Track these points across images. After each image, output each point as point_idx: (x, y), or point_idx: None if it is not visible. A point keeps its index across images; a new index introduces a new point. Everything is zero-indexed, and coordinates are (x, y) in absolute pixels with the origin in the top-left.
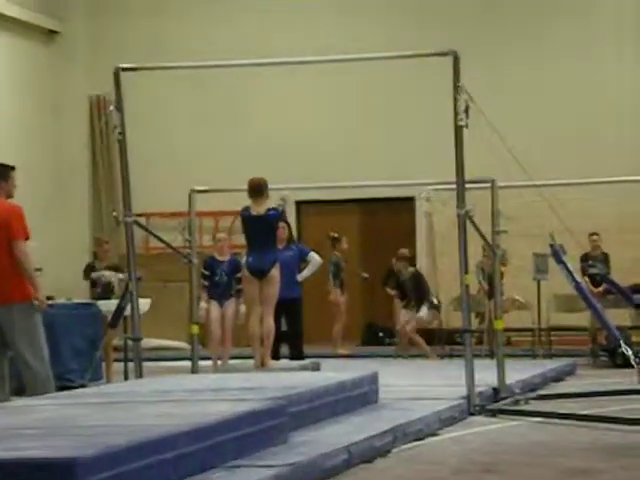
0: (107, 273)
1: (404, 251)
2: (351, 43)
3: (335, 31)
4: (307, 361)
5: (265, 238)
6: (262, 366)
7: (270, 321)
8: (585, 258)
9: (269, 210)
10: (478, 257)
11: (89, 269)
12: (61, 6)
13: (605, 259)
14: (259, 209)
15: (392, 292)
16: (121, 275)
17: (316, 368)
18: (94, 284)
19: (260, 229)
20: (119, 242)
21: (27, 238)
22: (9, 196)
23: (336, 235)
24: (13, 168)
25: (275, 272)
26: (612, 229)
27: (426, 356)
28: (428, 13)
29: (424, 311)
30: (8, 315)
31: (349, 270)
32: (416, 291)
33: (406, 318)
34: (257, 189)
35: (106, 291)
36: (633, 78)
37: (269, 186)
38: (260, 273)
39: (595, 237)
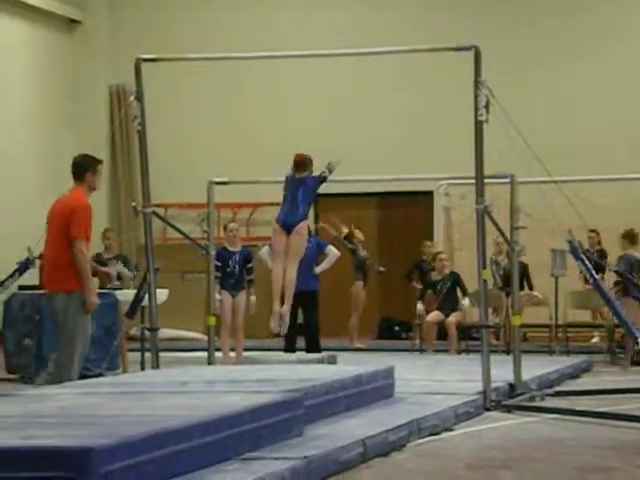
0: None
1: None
2: (368, 37)
3: (351, 24)
4: (323, 354)
5: (298, 196)
6: (280, 319)
7: (292, 272)
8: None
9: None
10: (492, 250)
11: (94, 260)
12: None
13: (602, 256)
14: None
15: (418, 286)
16: (126, 271)
17: (332, 361)
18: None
19: (295, 188)
20: (137, 233)
21: (88, 238)
22: (92, 189)
23: (346, 233)
24: (101, 162)
25: (303, 225)
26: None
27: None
28: (445, 6)
29: (467, 302)
30: (65, 303)
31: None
32: (454, 290)
33: (439, 318)
34: (301, 164)
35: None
36: None
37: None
38: (289, 225)
39: (592, 234)
